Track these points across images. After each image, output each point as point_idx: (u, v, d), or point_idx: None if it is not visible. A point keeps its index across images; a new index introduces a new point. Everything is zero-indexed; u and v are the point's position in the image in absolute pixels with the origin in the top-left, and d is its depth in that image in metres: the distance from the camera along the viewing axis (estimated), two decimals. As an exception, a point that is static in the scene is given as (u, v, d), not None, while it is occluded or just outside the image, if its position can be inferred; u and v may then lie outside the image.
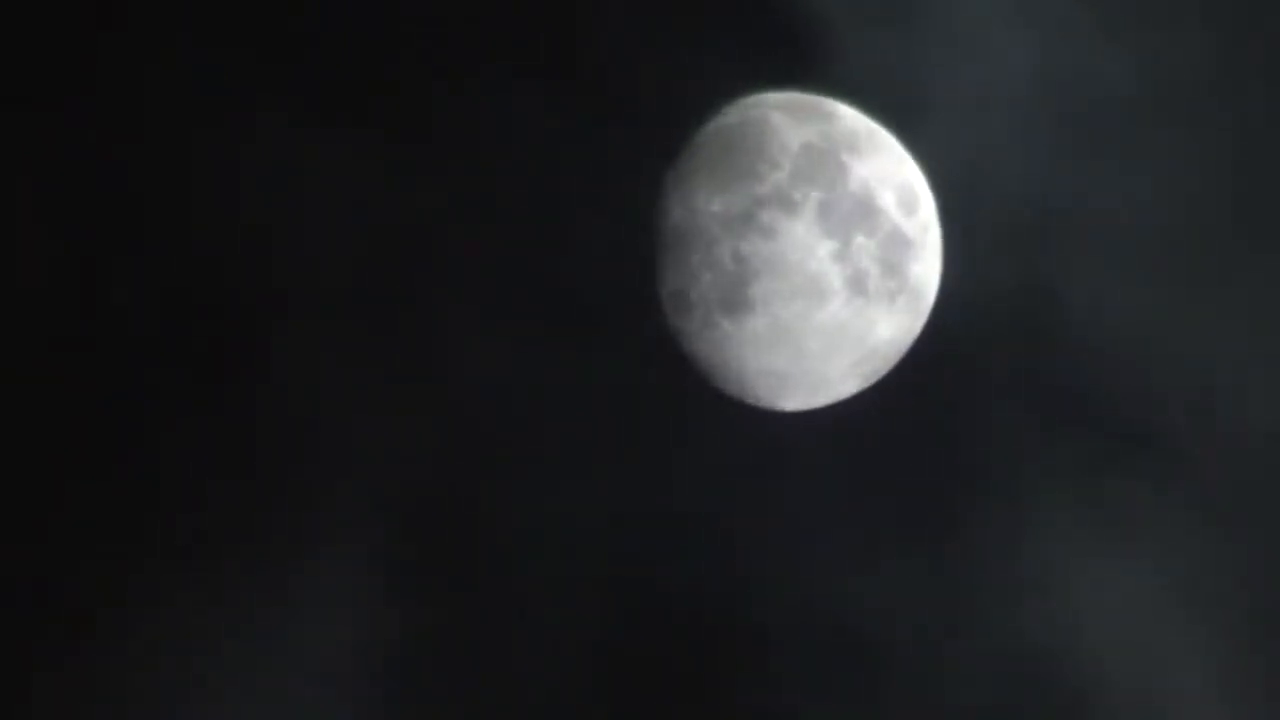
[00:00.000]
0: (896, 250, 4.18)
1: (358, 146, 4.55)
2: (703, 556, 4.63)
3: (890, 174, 4.23)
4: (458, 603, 4.60)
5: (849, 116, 4.32)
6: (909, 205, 4.22)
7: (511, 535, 4.61)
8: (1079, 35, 4.63)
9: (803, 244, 4.09)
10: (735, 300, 4.15)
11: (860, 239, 4.12)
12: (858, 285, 4.13)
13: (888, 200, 4.18)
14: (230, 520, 4.54)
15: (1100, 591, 4.69)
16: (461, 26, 4.60)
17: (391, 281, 4.59)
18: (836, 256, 4.11)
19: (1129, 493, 4.69)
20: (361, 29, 4.59)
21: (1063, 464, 4.69)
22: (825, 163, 4.16)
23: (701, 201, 4.19)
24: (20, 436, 4.48)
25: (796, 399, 4.39)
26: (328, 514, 4.56)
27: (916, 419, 4.64)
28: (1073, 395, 4.69)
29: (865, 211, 4.14)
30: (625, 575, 4.60)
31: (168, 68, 4.51)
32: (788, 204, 4.10)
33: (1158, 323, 4.67)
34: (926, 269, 4.30)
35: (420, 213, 4.60)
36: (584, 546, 4.59)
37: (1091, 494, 4.69)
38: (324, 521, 4.56)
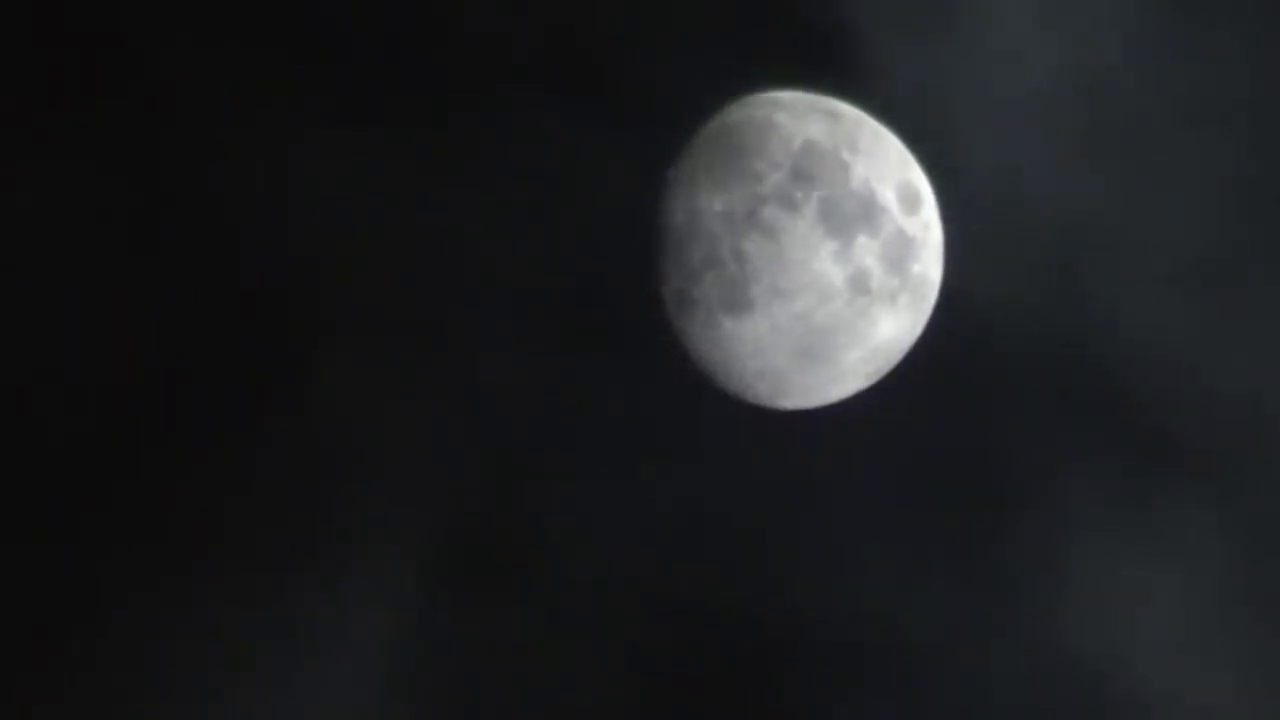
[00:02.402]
0: (899, 249, 4.18)
1: (362, 149, 4.55)
2: (709, 556, 4.63)
3: (892, 173, 4.23)
4: (488, 603, 4.61)
5: (851, 115, 4.31)
6: (911, 204, 4.22)
7: (519, 536, 4.60)
8: (1088, 36, 4.63)
9: (805, 243, 4.09)
10: (737, 299, 4.14)
11: (862, 238, 4.12)
12: (860, 284, 4.13)
13: (889, 199, 4.18)
14: (267, 524, 4.54)
15: (1112, 591, 4.69)
16: (461, 27, 4.60)
17: (401, 284, 4.59)
18: (838, 255, 4.10)
19: (1136, 493, 4.70)
20: (365, 32, 4.59)
21: (1067, 463, 4.69)
22: (827, 161, 4.15)
23: (703, 200, 4.18)
24: (74, 442, 4.48)
25: (798, 398, 4.39)
26: (365, 519, 4.57)
27: (919, 419, 4.64)
28: (1075, 394, 4.69)
29: (867, 210, 4.14)
30: (638, 576, 4.60)
31: (207, 76, 4.51)
32: (790, 203, 4.10)
33: (1163, 323, 4.67)
34: (928, 268, 4.29)
35: (421, 215, 4.59)
36: (591, 547, 4.59)
37: (1099, 493, 4.69)
38: (360, 527, 4.56)
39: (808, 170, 4.13)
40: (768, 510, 4.66)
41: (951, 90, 4.59)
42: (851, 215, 4.12)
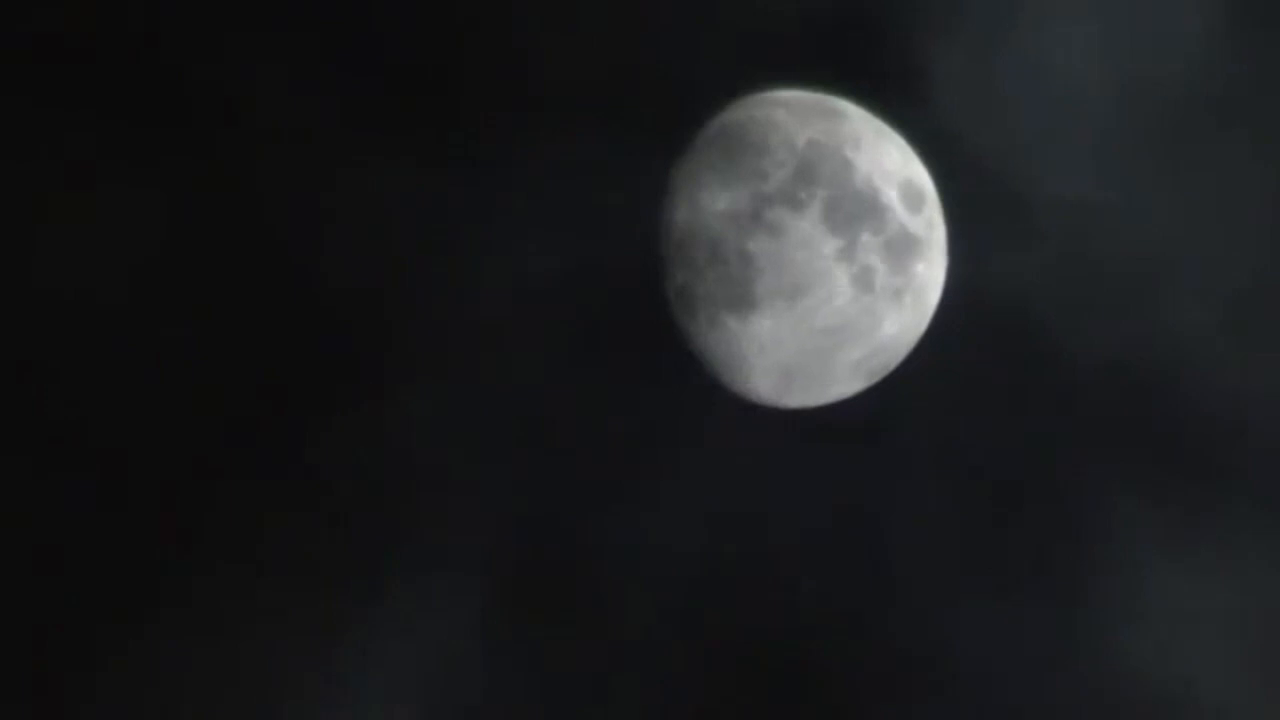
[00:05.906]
0: (902, 248, 4.18)
1: (366, 150, 4.56)
2: (710, 554, 4.63)
3: (895, 171, 4.23)
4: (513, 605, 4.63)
5: (854, 114, 4.32)
6: (914, 202, 4.23)
7: (527, 536, 4.61)
8: (1094, 35, 4.65)
9: (808, 241, 4.09)
10: (741, 298, 4.15)
11: (866, 236, 4.13)
12: (863, 283, 4.13)
13: (893, 197, 4.18)
14: (317, 550, 4.55)
15: (1116, 598, 4.70)
16: (462, 32, 4.61)
17: (403, 284, 4.59)
18: (842, 254, 4.11)
19: (1135, 493, 4.71)
20: (365, 38, 4.59)
21: (1067, 462, 4.70)
22: (830, 160, 4.16)
23: (707, 199, 4.19)
24: (144, 456, 4.49)
25: (801, 397, 4.39)
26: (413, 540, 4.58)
27: (921, 418, 4.65)
28: (1076, 392, 4.71)
29: (871, 209, 4.15)
30: (641, 575, 4.60)
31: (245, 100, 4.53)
32: (793, 202, 4.11)
33: (1168, 321, 4.68)
34: (932, 267, 4.30)
35: (421, 217, 4.60)
36: (591, 545, 4.59)
37: (1101, 494, 4.70)
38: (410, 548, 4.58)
39: (811, 169, 4.13)
40: (770, 508, 4.67)
41: (954, 88, 4.60)
42: (855, 214, 4.12)
